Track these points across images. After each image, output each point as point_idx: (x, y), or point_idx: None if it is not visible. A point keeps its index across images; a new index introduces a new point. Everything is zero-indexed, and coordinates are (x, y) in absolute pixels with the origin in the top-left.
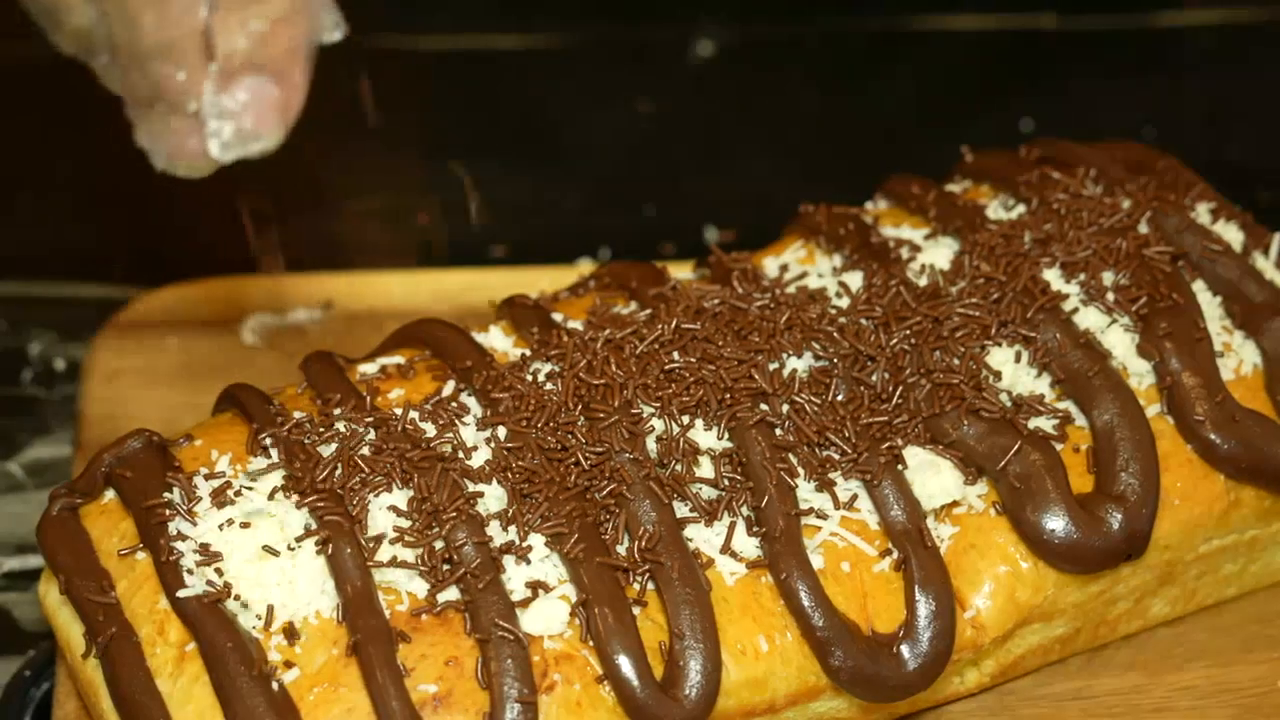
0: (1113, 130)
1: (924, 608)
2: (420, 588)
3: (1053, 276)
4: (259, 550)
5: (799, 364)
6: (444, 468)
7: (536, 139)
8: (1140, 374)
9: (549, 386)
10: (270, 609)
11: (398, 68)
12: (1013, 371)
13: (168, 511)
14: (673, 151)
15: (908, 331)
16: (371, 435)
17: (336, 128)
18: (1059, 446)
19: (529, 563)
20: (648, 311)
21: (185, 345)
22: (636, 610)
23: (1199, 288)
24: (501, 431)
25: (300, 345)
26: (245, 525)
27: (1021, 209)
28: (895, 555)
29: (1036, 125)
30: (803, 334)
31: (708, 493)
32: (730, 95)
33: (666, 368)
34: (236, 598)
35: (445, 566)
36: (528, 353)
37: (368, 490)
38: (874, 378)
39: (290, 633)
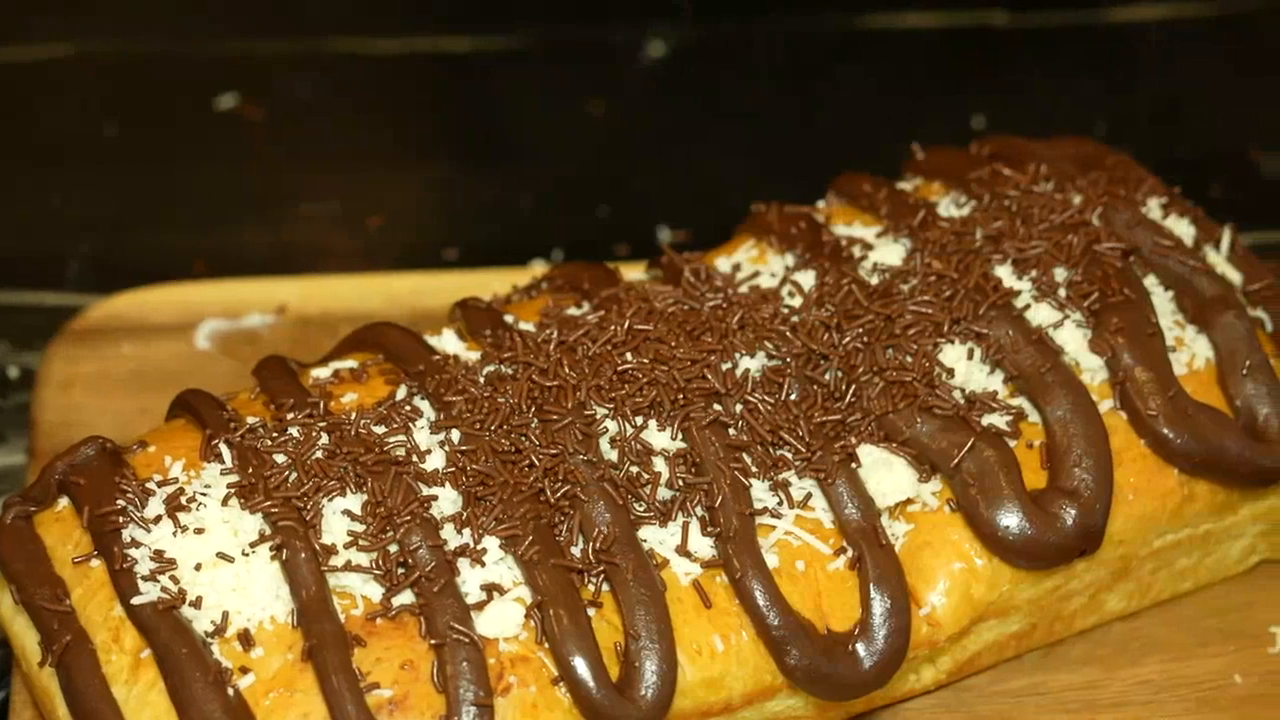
0: (1064, 126)
1: (879, 605)
2: (375, 592)
3: (1004, 273)
4: (213, 556)
5: (752, 364)
6: (398, 471)
7: (489, 141)
8: (1093, 370)
9: (502, 389)
10: (225, 615)
11: (350, 70)
12: (965, 368)
13: (121, 519)
14: (626, 152)
15: (860, 330)
16: (325, 440)
17: (288, 130)
18: (1012, 443)
19: (484, 565)
20: (600, 313)
21: (139, 352)
22: (592, 611)
23: (1151, 283)
24: (455, 434)
25: (254, 350)
26: (199, 531)
27: (973, 206)
28: (850, 554)
29: (988, 122)
30: (755, 334)
31: (662, 493)
32: (682, 95)
33: (620, 369)
34: (191, 604)
35: (400, 570)
36: (481, 355)
37: (321, 495)
38: (827, 376)
39: (245, 638)
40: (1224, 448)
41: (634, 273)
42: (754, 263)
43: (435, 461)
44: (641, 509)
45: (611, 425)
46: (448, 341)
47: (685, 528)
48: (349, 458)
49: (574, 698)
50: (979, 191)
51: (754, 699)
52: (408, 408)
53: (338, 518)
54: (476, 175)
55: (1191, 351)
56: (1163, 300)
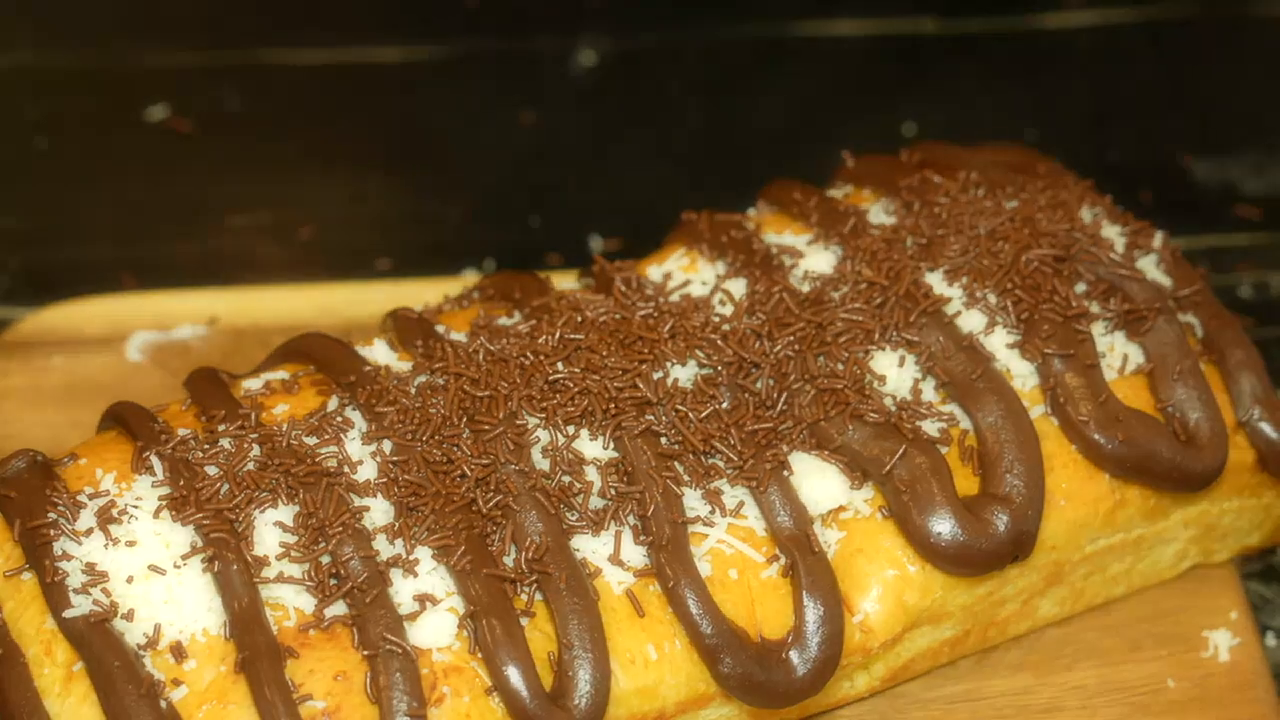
0: (995, 133)
1: (812, 613)
2: (308, 603)
3: (935, 280)
4: (145, 569)
5: (683, 372)
6: (329, 482)
7: (420, 151)
8: (1023, 375)
9: (434, 399)
10: (157, 627)
11: (279, 82)
12: (897, 375)
13: (53, 531)
14: (556, 161)
15: (791, 338)
16: (256, 451)
17: (218, 142)
18: (944, 449)
19: (416, 576)
20: (532, 322)
21: (70, 364)
22: (525, 621)
23: (1081, 289)
24: (387, 445)
25: (185, 362)
26: (131, 544)
27: (903, 213)
28: (783, 561)
29: (919, 129)
30: (686, 342)
31: (594, 503)
32: (613, 104)
33: (551, 378)
34: (123, 616)
35: (332, 581)
36: (412, 366)
37: (253, 506)
38: (758, 384)
39: (178, 651)
40: (1155, 452)
41: (565, 282)
42: (685, 271)
43: (367, 472)
44: (574, 518)
45: (543, 435)
46: (379, 352)
47: (618, 537)
48: (280, 469)
49: (507, 707)
50: (909, 199)
51: (688, 707)
52: (339, 418)
53: (269, 529)
54: (407, 185)
55: (1123, 357)
56: (1094, 306)
